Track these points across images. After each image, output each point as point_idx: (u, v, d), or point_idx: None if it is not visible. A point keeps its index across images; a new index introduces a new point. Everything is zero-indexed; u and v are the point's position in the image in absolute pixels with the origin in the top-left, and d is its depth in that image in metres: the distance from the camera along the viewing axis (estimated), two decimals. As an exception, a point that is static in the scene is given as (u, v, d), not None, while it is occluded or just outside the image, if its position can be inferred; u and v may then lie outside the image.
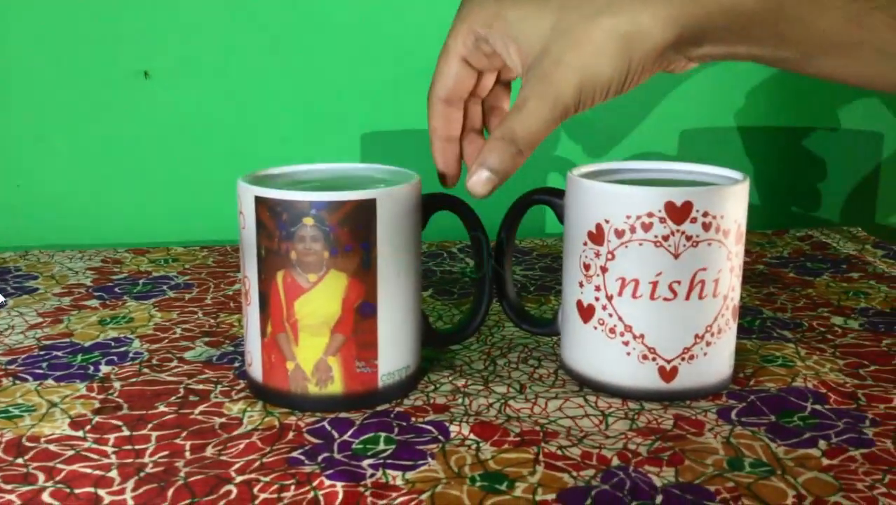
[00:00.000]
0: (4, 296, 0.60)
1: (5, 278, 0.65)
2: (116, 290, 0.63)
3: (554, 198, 0.48)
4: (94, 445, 0.40)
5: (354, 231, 0.41)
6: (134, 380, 0.47)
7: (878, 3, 0.38)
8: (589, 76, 0.41)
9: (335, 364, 0.43)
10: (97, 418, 0.42)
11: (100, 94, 0.75)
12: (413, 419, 0.43)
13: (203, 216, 0.79)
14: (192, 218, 0.79)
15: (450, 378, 0.47)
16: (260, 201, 0.42)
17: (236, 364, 0.49)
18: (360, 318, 0.42)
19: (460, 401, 0.45)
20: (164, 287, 0.63)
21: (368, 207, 0.41)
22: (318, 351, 0.42)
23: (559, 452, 0.39)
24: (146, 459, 0.38)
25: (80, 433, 0.41)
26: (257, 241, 0.42)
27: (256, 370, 0.44)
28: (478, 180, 0.42)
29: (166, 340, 0.53)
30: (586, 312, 0.45)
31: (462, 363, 0.50)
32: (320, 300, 0.42)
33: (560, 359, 0.49)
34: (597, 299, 0.45)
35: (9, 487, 0.36)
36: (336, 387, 0.43)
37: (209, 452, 0.39)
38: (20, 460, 0.38)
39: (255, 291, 0.43)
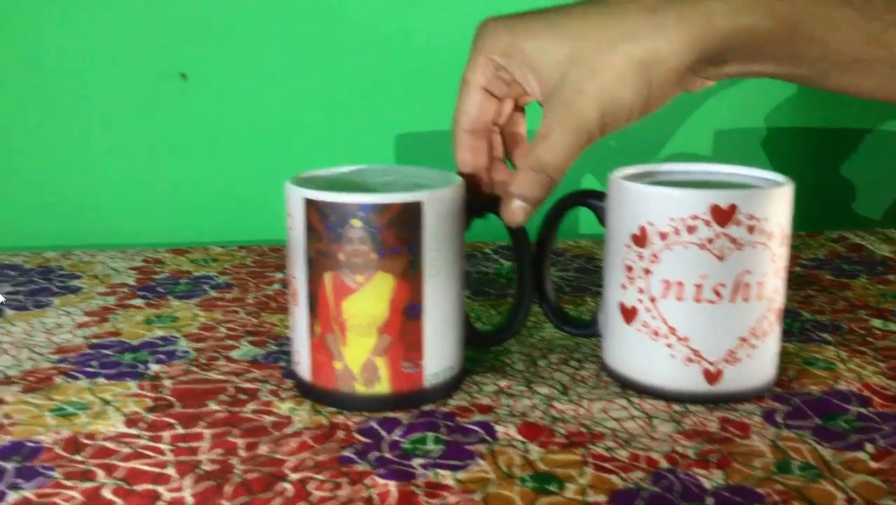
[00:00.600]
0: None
1: (49, 277, 0.67)
2: (159, 289, 0.64)
3: (595, 200, 0.49)
4: (150, 443, 0.40)
5: (401, 233, 0.42)
6: (183, 378, 0.48)
7: (895, 20, 0.38)
8: (610, 103, 0.42)
9: (382, 364, 0.43)
10: (151, 416, 0.43)
11: (139, 96, 0.76)
12: (459, 419, 0.43)
13: (241, 216, 0.80)
14: (230, 218, 0.80)
15: (492, 379, 0.48)
16: (309, 203, 0.42)
17: (281, 363, 0.50)
18: (406, 319, 0.43)
19: (504, 402, 0.45)
20: (206, 287, 0.64)
21: (415, 210, 0.42)
22: (365, 351, 0.43)
23: (607, 454, 0.40)
24: (201, 457, 0.39)
25: (134, 431, 0.42)
26: (306, 243, 0.43)
27: (304, 370, 0.45)
28: (513, 210, 0.44)
29: (211, 339, 0.54)
30: (629, 314, 0.46)
31: (503, 364, 0.50)
32: (368, 301, 0.42)
33: (602, 360, 0.49)
34: (640, 301, 0.45)
35: (70, 483, 0.37)
36: (383, 387, 0.43)
37: (262, 449, 0.40)
38: (79, 457, 0.39)
39: (303, 292, 0.43)
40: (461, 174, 0.48)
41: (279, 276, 0.67)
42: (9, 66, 0.74)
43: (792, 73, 0.42)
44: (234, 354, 0.52)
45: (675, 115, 0.83)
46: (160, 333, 0.55)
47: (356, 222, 0.42)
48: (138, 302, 0.61)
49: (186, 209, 0.79)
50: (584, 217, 0.84)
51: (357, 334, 0.43)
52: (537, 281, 0.51)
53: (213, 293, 0.63)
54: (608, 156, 0.83)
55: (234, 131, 0.78)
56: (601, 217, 0.49)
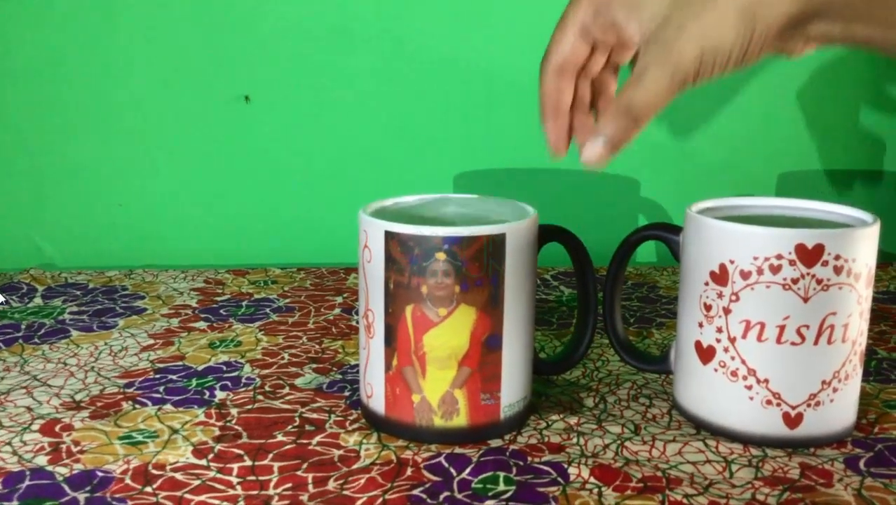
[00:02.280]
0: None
1: (113, 297, 0.67)
2: (222, 312, 0.64)
3: (669, 234, 0.48)
4: (219, 475, 0.40)
5: (485, 265, 0.42)
6: (250, 407, 0.48)
7: None
8: (710, 44, 0.41)
9: (461, 397, 0.43)
10: (219, 446, 0.43)
11: (202, 117, 0.77)
12: (530, 459, 0.42)
13: (299, 239, 0.80)
14: (288, 241, 0.80)
15: (561, 416, 0.47)
16: (390, 236, 0.42)
17: (346, 393, 0.50)
18: (486, 350, 0.43)
19: (575, 440, 0.44)
20: (267, 310, 0.64)
21: (499, 242, 0.42)
22: (445, 384, 0.42)
23: (686, 501, 0.38)
24: (271, 491, 0.39)
25: (203, 462, 0.41)
26: (385, 275, 0.42)
27: (378, 403, 0.44)
28: (593, 149, 0.42)
29: (275, 366, 0.53)
30: (706, 354, 0.44)
31: (571, 399, 0.49)
32: (449, 334, 0.42)
33: (674, 399, 0.48)
34: (718, 341, 0.44)
35: (141, 515, 0.37)
36: (461, 420, 0.43)
37: (331, 485, 0.39)
38: (149, 489, 0.39)
39: (380, 324, 0.43)
40: (543, 112, 0.46)
41: (339, 300, 0.67)
42: (76, 91, 0.75)
43: (891, 40, 0.40)
44: (298, 381, 0.51)
45: (735, 148, 0.81)
46: (224, 357, 0.55)
47: (441, 255, 0.41)
48: (201, 325, 0.61)
49: (245, 231, 0.79)
50: (645, 245, 0.83)
51: (437, 367, 0.42)
52: (607, 313, 0.50)
53: (275, 317, 0.63)
54: (669, 189, 0.82)
55: (293, 156, 0.78)
56: (675, 251, 0.47)
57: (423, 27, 0.76)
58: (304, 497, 0.38)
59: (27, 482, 0.39)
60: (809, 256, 0.41)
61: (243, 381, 0.51)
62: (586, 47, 0.46)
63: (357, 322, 0.62)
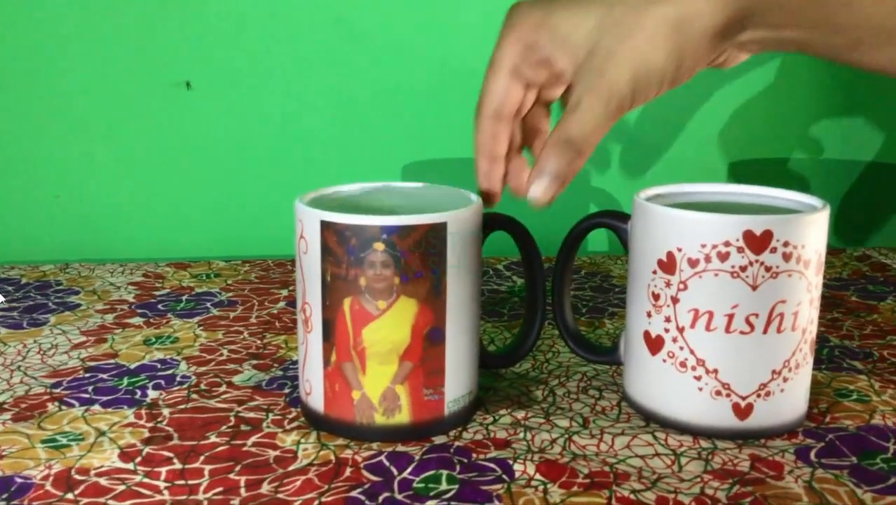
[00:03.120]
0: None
1: (46, 293, 0.64)
2: (160, 306, 0.61)
3: (618, 222, 0.46)
4: (146, 480, 0.38)
5: (425, 256, 0.40)
6: (183, 406, 0.45)
7: None
8: (643, 67, 0.40)
9: (403, 392, 0.41)
10: (147, 449, 0.41)
11: (141, 105, 0.74)
12: (474, 456, 0.41)
13: (244, 230, 0.77)
14: (233, 231, 0.77)
15: (509, 410, 0.46)
16: (326, 226, 0.40)
17: (286, 390, 0.48)
18: (429, 344, 0.41)
19: (522, 435, 0.43)
20: (208, 304, 0.62)
21: (439, 231, 0.40)
22: (385, 379, 0.41)
23: (633, 497, 0.37)
24: (200, 496, 0.37)
25: (130, 465, 0.39)
26: (322, 267, 0.40)
27: (317, 400, 0.42)
28: (539, 188, 0.41)
29: (213, 363, 0.51)
30: (654, 344, 0.43)
31: (519, 393, 0.48)
32: (389, 327, 0.40)
33: (623, 391, 0.47)
34: (667, 331, 0.43)
35: (59, 524, 0.35)
36: (403, 416, 0.41)
37: (265, 488, 0.38)
38: (70, 495, 0.37)
39: (317, 319, 0.41)
40: (477, 159, 0.45)
41: (284, 293, 0.65)
42: (10, 76, 0.72)
43: (826, 43, 0.40)
44: (236, 379, 0.49)
45: (688, 133, 0.81)
46: (159, 354, 0.53)
47: (379, 246, 0.39)
48: (137, 321, 0.58)
49: (188, 222, 0.77)
50: (595, 233, 0.82)
51: (377, 362, 0.41)
52: (556, 304, 0.49)
53: (216, 311, 0.61)
54: (621, 176, 0.81)
55: (238, 143, 0.76)
56: (624, 239, 0.46)
57: (371, 12, 0.74)
58: (236, 501, 0.36)
59: (-62, 491, 0.37)
60: (757, 242, 0.40)
61: (178, 379, 0.49)
62: (520, 88, 0.45)
63: (301, 316, 0.60)
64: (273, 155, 0.76)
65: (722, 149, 0.81)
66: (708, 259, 0.41)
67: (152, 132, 0.75)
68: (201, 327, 0.57)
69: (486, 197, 0.46)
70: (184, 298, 0.63)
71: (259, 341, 0.55)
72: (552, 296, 0.49)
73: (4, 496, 0.37)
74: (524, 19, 0.43)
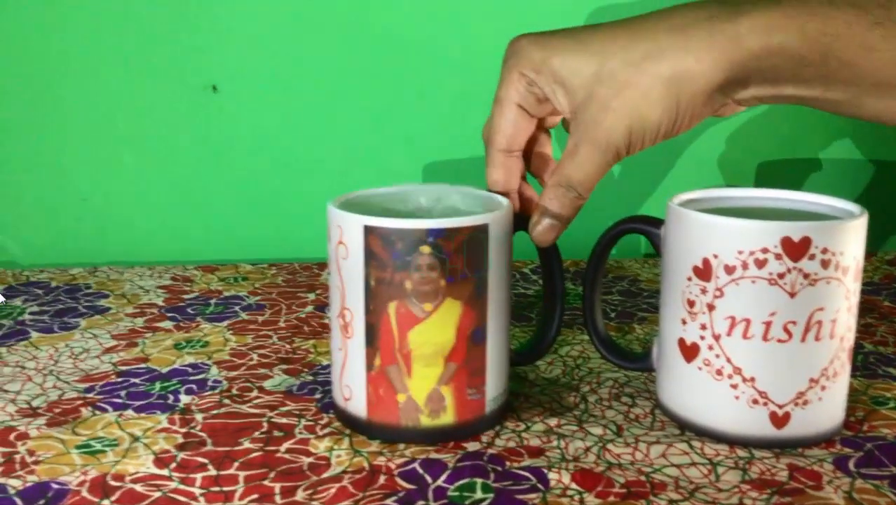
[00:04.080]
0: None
1: (76, 296, 0.65)
2: (189, 310, 0.62)
3: (650, 227, 0.46)
4: (181, 486, 0.38)
5: (470, 257, 0.40)
6: (216, 412, 0.45)
7: None
8: (638, 120, 0.41)
9: (448, 393, 0.41)
10: (182, 455, 0.41)
11: (168, 108, 0.74)
12: (508, 464, 0.40)
13: (270, 233, 0.77)
14: (259, 235, 0.77)
15: (541, 417, 0.45)
16: (370, 231, 0.40)
17: (317, 395, 0.48)
18: (472, 345, 0.41)
19: (555, 443, 0.42)
20: (237, 308, 0.62)
21: (482, 232, 0.40)
22: (431, 381, 0.41)
23: (671, 507, 0.37)
24: (236, 503, 0.37)
25: (165, 471, 0.39)
26: (365, 272, 0.40)
27: (357, 405, 0.42)
28: (542, 229, 0.44)
29: (244, 368, 0.51)
30: (689, 351, 0.43)
31: (550, 399, 0.48)
32: (435, 329, 0.40)
33: (657, 398, 0.46)
34: (702, 338, 0.42)
35: (97, 531, 0.35)
36: (448, 417, 0.42)
37: (300, 495, 0.37)
38: (106, 502, 0.37)
39: (360, 324, 0.41)
40: (492, 190, 0.46)
41: (311, 297, 0.65)
42: (38, 80, 0.72)
43: (823, 98, 0.41)
44: (267, 384, 0.49)
45: (714, 134, 0.80)
46: (190, 359, 0.53)
47: (425, 249, 0.39)
48: (167, 324, 0.59)
49: (214, 225, 0.77)
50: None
51: (423, 364, 0.41)
52: (587, 309, 0.48)
53: (245, 315, 0.61)
54: (655, 181, 0.80)
55: (264, 146, 0.76)
56: (657, 245, 0.46)
57: (393, 15, 0.74)
58: (271, 509, 0.36)
59: (-24, 497, 0.37)
60: (796, 249, 0.40)
61: (209, 384, 0.49)
62: (527, 122, 0.46)
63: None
64: (298, 158, 0.76)
65: (749, 150, 0.80)
66: (745, 266, 0.40)
67: (179, 135, 0.75)
68: (231, 331, 0.57)
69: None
70: (212, 301, 0.64)
71: (288, 346, 0.55)
72: (582, 301, 0.49)
73: (41, 502, 0.37)
74: (525, 59, 0.43)
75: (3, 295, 0.59)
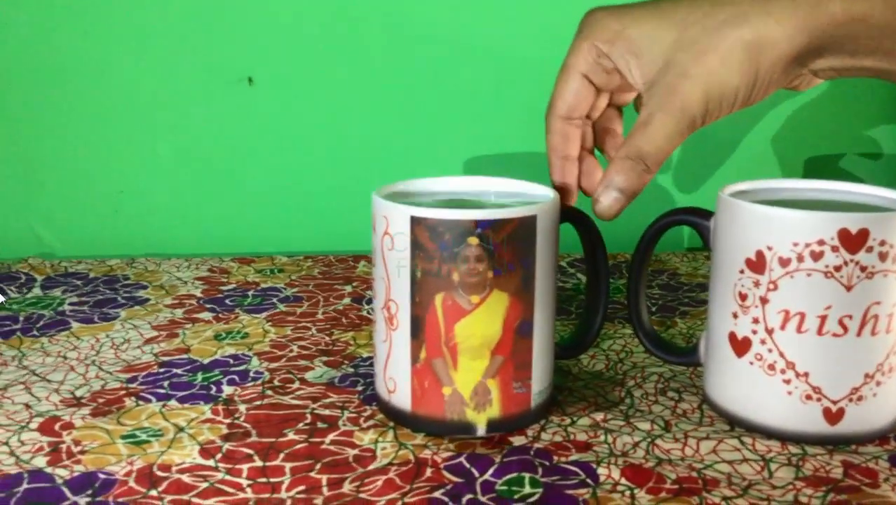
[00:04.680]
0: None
1: (115, 287, 0.65)
2: (227, 301, 0.62)
3: (699, 218, 0.45)
4: (228, 477, 0.38)
5: (517, 249, 0.40)
6: (258, 403, 0.45)
7: None
8: (715, 86, 0.40)
9: (494, 386, 0.41)
10: (227, 446, 0.41)
11: (204, 100, 0.74)
12: (556, 458, 0.40)
13: (306, 226, 0.77)
14: (295, 227, 0.77)
15: (586, 411, 0.45)
16: (417, 221, 0.39)
17: (359, 387, 0.47)
18: (518, 337, 0.41)
19: (602, 438, 0.42)
20: (274, 300, 0.62)
21: (530, 224, 0.40)
22: (477, 374, 0.41)
23: (724, 504, 0.36)
24: (283, 495, 0.37)
25: (211, 462, 0.39)
26: (412, 264, 0.40)
27: (402, 398, 0.42)
28: (606, 202, 0.42)
29: (284, 359, 0.51)
30: (741, 346, 0.42)
31: (595, 393, 0.47)
32: (482, 322, 0.40)
33: (705, 393, 0.45)
34: (754, 332, 0.41)
35: (146, 521, 0.35)
36: (494, 410, 0.41)
37: (347, 487, 0.37)
38: (154, 492, 0.37)
39: (405, 316, 0.41)
40: (551, 160, 0.46)
41: (348, 289, 0.65)
42: (73, 74, 0.73)
43: None
44: (308, 375, 0.49)
45: (761, 128, 0.79)
46: (231, 350, 0.53)
47: (473, 240, 0.39)
48: (206, 315, 0.59)
49: (249, 217, 0.77)
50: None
51: (469, 357, 0.40)
52: (632, 303, 0.48)
53: (283, 307, 0.60)
54: (701, 171, 0.79)
55: (300, 138, 0.76)
56: (706, 237, 0.45)
57: (430, 7, 0.73)
58: (319, 500, 0.36)
59: (25, 485, 0.37)
60: (853, 241, 0.39)
61: (251, 375, 0.49)
62: (591, 91, 0.45)
63: (369, 312, 0.59)
64: (332, 151, 0.76)
65: (795, 144, 0.79)
66: (800, 258, 0.39)
67: (214, 128, 0.75)
68: (269, 323, 0.57)
69: (563, 192, 0.46)
70: (250, 293, 0.64)
71: (328, 338, 0.55)
72: (627, 295, 0.48)
73: (89, 492, 0.37)
74: (599, 28, 0.43)
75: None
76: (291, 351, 0.52)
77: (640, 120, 0.42)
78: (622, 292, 0.64)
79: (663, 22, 0.41)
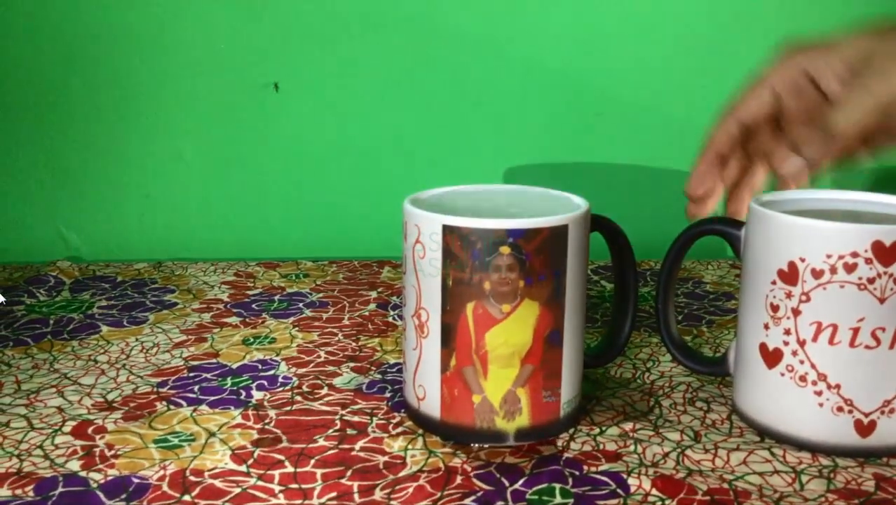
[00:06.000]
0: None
1: (142, 291, 0.65)
2: (254, 306, 0.62)
3: (731, 228, 0.45)
4: (260, 482, 0.38)
5: (548, 258, 0.40)
6: (288, 408, 0.46)
7: None
8: None
9: (524, 395, 0.41)
10: (258, 451, 0.41)
11: (230, 105, 0.75)
12: (586, 468, 0.40)
13: (330, 231, 0.78)
14: (320, 232, 0.78)
15: (615, 421, 0.45)
16: (449, 230, 0.40)
17: (387, 394, 0.48)
18: (548, 347, 0.41)
19: (632, 448, 0.42)
20: (300, 305, 0.62)
21: (562, 233, 0.40)
22: (507, 383, 0.41)
23: (757, 516, 0.36)
24: (315, 501, 0.37)
25: (243, 467, 0.39)
26: (443, 272, 0.40)
27: (432, 406, 0.42)
28: (792, 168, 0.44)
29: (312, 365, 0.51)
30: (772, 357, 0.42)
31: (623, 403, 0.47)
32: (512, 331, 0.40)
33: (734, 404, 0.45)
34: (786, 344, 0.41)
35: (180, 526, 0.35)
36: (523, 419, 0.41)
37: (378, 495, 0.37)
38: (188, 497, 0.37)
39: (435, 324, 0.41)
40: (704, 158, 0.48)
41: (374, 294, 0.65)
42: (101, 78, 0.73)
43: None
44: (337, 381, 0.49)
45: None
46: (259, 355, 0.53)
47: (505, 249, 0.39)
48: (234, 320, 0.59)
49: (274, 222, 0.77)
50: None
51: (499, 366, 0.40)
52: (661, 312, 0.48)
53: (309, 312, 0.61)
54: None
55: (325, 144, 0.76)
56: (737, 248, 0.45)
57: (458, 13, 0.74)
58: (351, 508, 0.36)
59: (60, 489, 0.38)
60: (887, 254, 0.38)
61: (280, 380, 0.49)
62: (774, 107, 0.47)
63: (394, 318, 0.60)
64: (358, 157, 0.76)
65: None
66: (833, 270, 0.39)
67: (240, 133, 0.76)
68: (296, 328, 0.58)
69: (691, 189, 0.49)
70: (276, 298, 0.64)
71: (354, 344, 0.55)
72: (656, 304, 0.48)
73: (123, 496, 0.37)
74: (809, 48, 0.45)
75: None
76: (319, 357, 0.53)
77: (838, 101, 0.43)
78: (647, 301, 0.64)
79: (862, 37, 0.44)
